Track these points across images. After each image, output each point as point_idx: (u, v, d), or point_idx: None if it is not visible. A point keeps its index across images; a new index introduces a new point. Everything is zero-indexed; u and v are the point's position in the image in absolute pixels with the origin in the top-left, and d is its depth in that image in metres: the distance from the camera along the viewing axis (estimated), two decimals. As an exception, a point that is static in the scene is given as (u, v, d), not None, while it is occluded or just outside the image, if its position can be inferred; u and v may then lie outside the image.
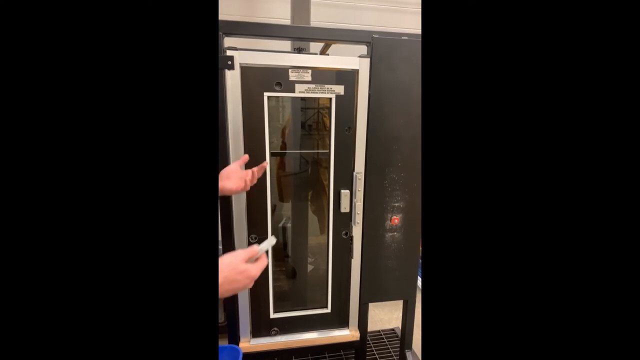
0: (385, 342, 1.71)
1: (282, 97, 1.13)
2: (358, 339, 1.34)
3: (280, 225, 1.79)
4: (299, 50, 1.20)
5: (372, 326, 1.78)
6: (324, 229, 1.72)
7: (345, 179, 1.21)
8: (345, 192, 1.21)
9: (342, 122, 1.15)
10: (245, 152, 1.12)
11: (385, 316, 2.00)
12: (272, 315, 1.28)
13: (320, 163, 1.38)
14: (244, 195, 1.15)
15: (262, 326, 1.29)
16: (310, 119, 1.34)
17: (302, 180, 1.45)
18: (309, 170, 1.40)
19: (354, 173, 1.20)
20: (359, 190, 1.20)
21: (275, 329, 1.29)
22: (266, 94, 1.09)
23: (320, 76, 1.10)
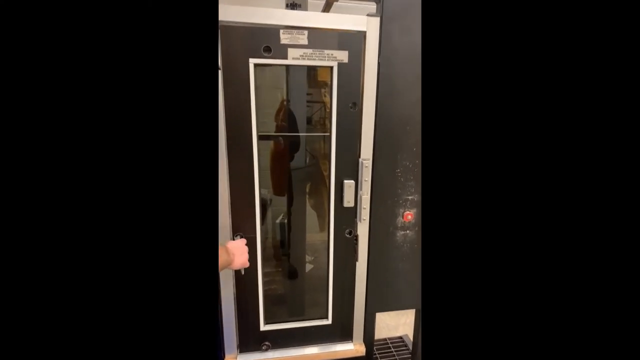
0: (392, 352, 1.52)
1: (273, 65, 0.93)
2: (363, 354, 1.14)
3: (278, 222, 1.65)
4: (292, 7, 0.99)
5: (377, 333, 1.60)
6: (323, 226, 1.52)
7: (349, 167, 1.01)
8: (349, 183, 1.00)
9: (345, 97, 0.95)
10: (227, 135, 0.92)
11: (392, 321, 1.81)
12: (263, 327, 1.09)
13: (318, 149, 1.18)
14: (225, 190, 0.95)
15: (251, 340, 1.10)
16: (315, 114, 1.13)
17: (298, 170, 1.25)
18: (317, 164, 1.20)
19: (360, 160, 1.00)
20: (365, 181, 1.00)
21: (267, 343, 1.10)
22: (252, 61, 0.88)
23: (319, 39, 0.90)
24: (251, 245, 0.97)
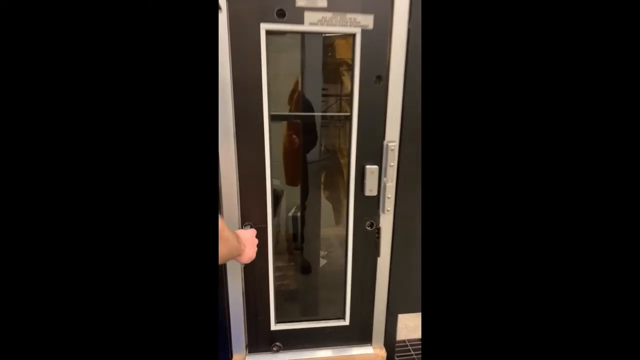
0: (412, 355, 1.40)
1: (286, 32, 0.81)
2: (384, 359, 1.04)
3: (290, 214, 1.55)
4: (310, -36, 0.87)
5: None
6: (339, 218, 1.41)
7: (372, 151, 0.89)
8: (371, 169, 0.89)
9: (369, 69, 0.83)
10: (235, 112, 0.81)
11: (411, 322, 1.69)
12: (274, 327, 1.00)
13: (335, 135, 1.07)
14: (232, 176, 0.86)
15: (261, 339, 1.01)
16: (329, 108, 1.01)
17: (314, 164, 1.14)
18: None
19: (385, 142, 0.88)
20: (390, 166, 0.88)
21: (278, 344, 1.00)
22: (264, 26, 0.77)
23: (340, 1, 0.78)
24: (261, 236, 0.88)
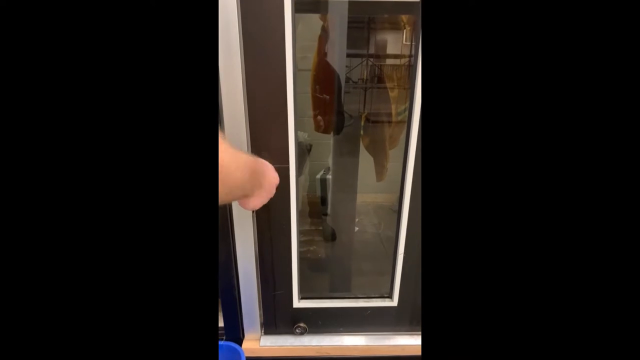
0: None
1: None
2: (442, 352, 0.77)
3: (318, 177, 1.31)
4: None
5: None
6: (383, 172, 1.12)
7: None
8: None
9: None
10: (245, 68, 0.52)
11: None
12: (297, 304, 0.76)
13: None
14: (242, 117, 0.58)
15: (280, 319, 0.77)
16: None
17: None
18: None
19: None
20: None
21: (302, 324, 0.77)
22: None
23: None
24: (282, 181, 0.60)
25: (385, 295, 0.77)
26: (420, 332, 0.78)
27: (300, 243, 0.71)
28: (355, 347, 0.77)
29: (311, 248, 1.16)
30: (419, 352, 0.77)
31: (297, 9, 0.54)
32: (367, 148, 1.14)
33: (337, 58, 0.87)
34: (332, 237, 1.09)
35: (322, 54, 0.94)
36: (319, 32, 0.90)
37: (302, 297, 0.76)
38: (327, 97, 0.95)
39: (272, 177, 0.54)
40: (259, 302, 0.75)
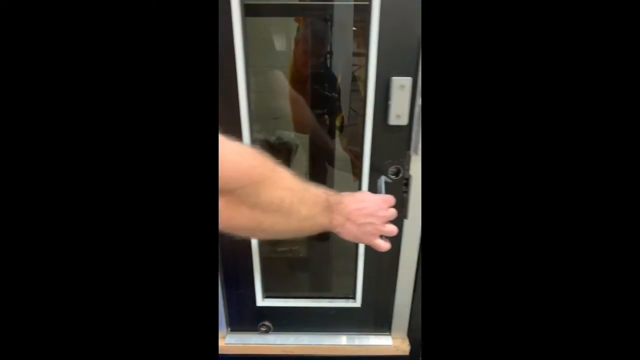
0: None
1: None
2: (407, 353, 0.78)
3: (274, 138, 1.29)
4: None
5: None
6: (356, 170, 1.12)
7: (401, 56, 0.57)
8: (400, 82, 0.57)
9: None
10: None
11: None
12: (260, 303, 0.77)
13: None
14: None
15: (245, 317, 0.78)
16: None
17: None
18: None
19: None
20: (431, 77, 0.56)
21: (266, 323, 0.78)
22: None
23: None
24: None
25: (349, 296, 0.77)
26: (384, 333, 0.79)
27: (281, 242, 0.72)
28: (319, 346, 0.77)
29: (293, 248, 1.17)
30: (383, 352, 0.77)
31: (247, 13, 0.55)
32: (345, 149, 1.14)
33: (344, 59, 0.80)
34: (322, 235, 1.10)
35: (298, 55, 0.95)
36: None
37: (266, 295, 0.77)
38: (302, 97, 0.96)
39: (354, 209, 0.45)
40: (224, 300, 0.76)
